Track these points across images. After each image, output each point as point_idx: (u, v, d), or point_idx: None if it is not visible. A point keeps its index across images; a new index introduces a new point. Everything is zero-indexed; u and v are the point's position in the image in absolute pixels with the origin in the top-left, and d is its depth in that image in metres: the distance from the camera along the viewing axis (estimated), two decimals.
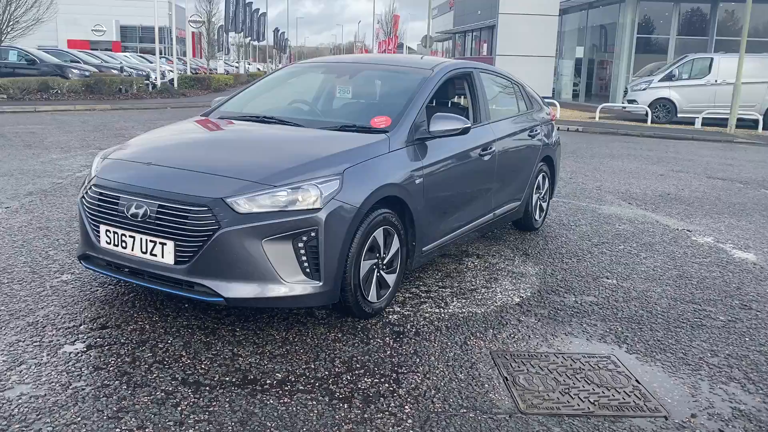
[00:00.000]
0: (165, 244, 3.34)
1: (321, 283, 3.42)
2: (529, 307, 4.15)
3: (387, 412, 2.83)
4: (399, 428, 2.72)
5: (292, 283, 3.37)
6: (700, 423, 2.88)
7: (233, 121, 4.50)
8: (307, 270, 3.40)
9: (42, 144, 10.45)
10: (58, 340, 3.37)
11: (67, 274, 4.36)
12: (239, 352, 3.32)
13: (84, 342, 3.36)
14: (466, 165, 4.63)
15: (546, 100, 21.87)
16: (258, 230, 3.27)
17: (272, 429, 2.66)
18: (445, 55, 51.78)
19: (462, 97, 5.53)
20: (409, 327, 3.75)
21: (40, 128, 12.57)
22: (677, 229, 6.48)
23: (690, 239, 6.11)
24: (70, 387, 2.90)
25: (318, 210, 3.36)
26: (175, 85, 23.85)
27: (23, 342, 3.33)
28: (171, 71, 26.42)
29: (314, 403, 2.87)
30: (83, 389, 2.89)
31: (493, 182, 5.05)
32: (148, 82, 23.72)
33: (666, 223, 6.75)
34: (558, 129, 17.04)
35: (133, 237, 3.44)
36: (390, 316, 3.89)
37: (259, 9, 49.77)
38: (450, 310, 4.04)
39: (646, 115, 18.69)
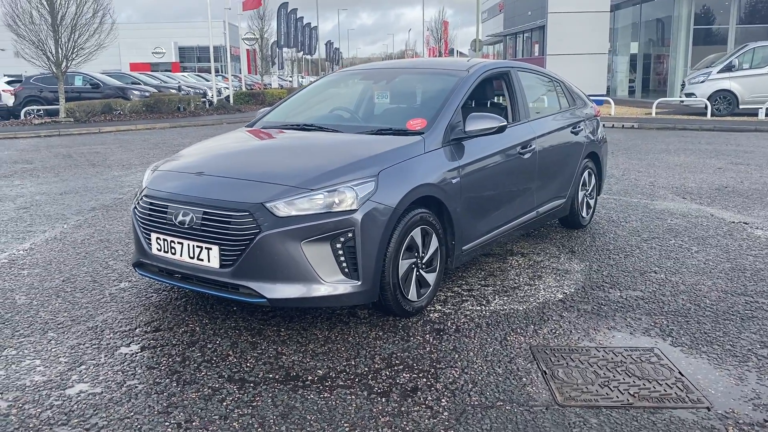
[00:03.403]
0: (210, 249, 3.50)
1: (360, 283, 3.51)
2: (572, 303, 4.14)
3: (424, 405, 2.89)
4: (435, 420, 2.77)
5: (332, 282, 3.47)
6: (744, 413, 2.82)
7: (275, 130, 4.66)
8: (346, 270, 3.49)
9: (105, 162, 10.96)
10: (115, 342, 3.57)
11: (125, 282, 4.59)
12: (283, 351, 3.44)
13: (138, 344, 3.55)
14: (504, 164, 4.64)
15: (600, 97, 21.47)
16: (297, 232, 3.39)
17: (312, 422, 2.75)
18: (496, 58, 51.41)
19: (501, 96, 5.54)
20: (449, 324, 3.79)
21: (104, 148, 13.17)
22: (733, 222, 6.29)
23: (746, 232, 5.93)
24: (125, 385, 3.07)
25: (354, 211, 3.46)
26: (231, 101, 24.53)
27: (83, 345, 3.54)
28: (227, 88, 27.22)
29: (353, 397, 2.96)
30: (136, 387, 3.06)
31: (535, 180, 5.05)
32: (204, 99, 24.48)
33: (721, 216, 6.56)
34: (612, 126, 16.82)
35: (181, 243, 3.62)
36: (431, 315, 3.94)
37: (310, 23, 50.66)
38: (491, 308, 4.06)
39: (706, 108, 18.12)
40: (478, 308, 4.06)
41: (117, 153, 12.31)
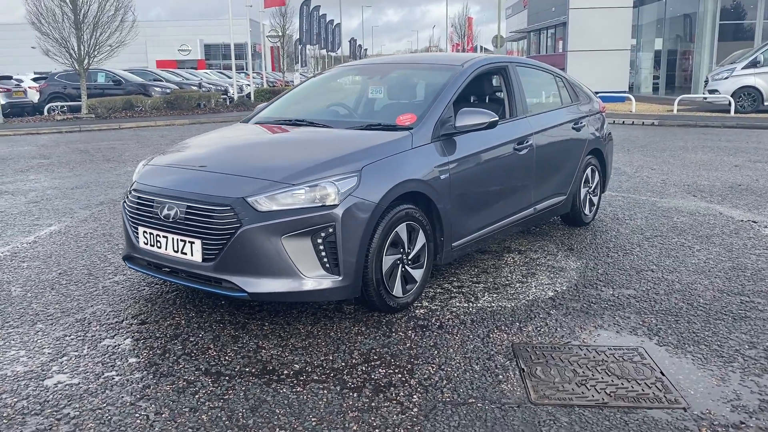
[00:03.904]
0: (193, 243, 3.53)
1: (341, 278, 3.51)
2: (562, 301, 4.08)
3: (395, 401, 2.88)
4: (404, 416, 2.76)
5: (313, 277, 3.47)
6: (721, 414, 2.76)
7: (268, 125, 4.67)
8: (327, 265, 3.49)
9: (120, 158, 11.11)
10: (100, 334, 3.62)
11: (120, 275, 4.64)
12: (263, 345, 3.45)
13: (123, 336, 3.59)
14: (499, 160, 4.60)
15: (621, 94, 21.20)
16: (277, 227, 3.39)
17: (280, 416, 2.76)
18: (521, 54, 50.98)
19: (500, 92, 5.49)
20: (433, 321, 3.77)
21: (121, 144, 13.35)
22: (741, 221, 6.16)
23: (753, 230, 5.81)
24: (102, 376, 3.11)
25: (335, 206, 3.45)
26: (252, 98, 24.68)
27: (69, 336, 3.59)
28: (248, 85, 27.39)
29: (325, 392, 2.96)
30: (113, 378, 3.09)
31: (532, 176, 4.99)
32: (225, 96, 24.67)
33: (730, 214, 6.43)
34: (632, 123, 16.58)
35: (166, 237, 3.65)
36: (417, 311, 3.92)
37: (333, 20, 50.79)
38: (479, 305, 4.03)
39: (729, 105, 17.77)
40: (466, 305, 4.03)
41: (133, 149, 12.46)
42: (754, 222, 6.12)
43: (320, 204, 3.45)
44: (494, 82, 5.20)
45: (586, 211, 5.96)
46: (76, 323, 3.78)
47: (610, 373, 3.13)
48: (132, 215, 3.88)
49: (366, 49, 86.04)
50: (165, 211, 3.64)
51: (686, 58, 27.18)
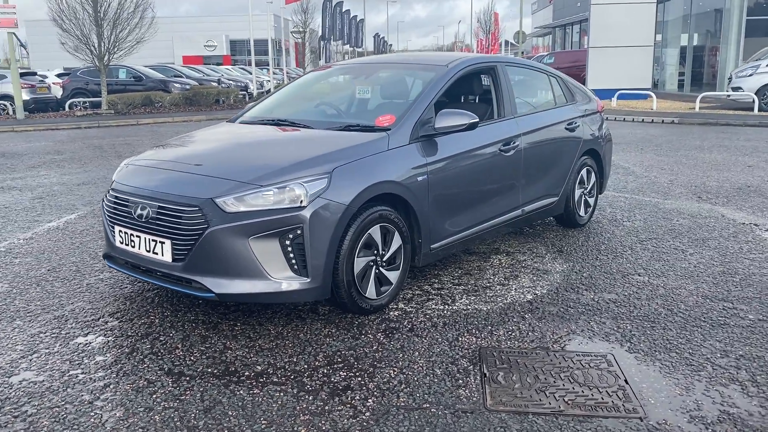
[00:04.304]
0: (164, 243, 3.56)
1: (309, 280, 3.51)
2: (539, 305, 4.04)
3: (348, 405, 2.87)
4: (354, 420, 2.75)
5: (280, 279, 3.48)
6: (677, 426, 2.71)
7: (251, 125, 4.69)
8: (295, 267, 3.50)
9: (132, 154, 11.20)
10: (74, 332, 3.67)
11: (106, 272, 4.70)
12: (231, 346, 3.47)
13: (96, 334, 3.64)
14: (482, 161, 4.56)
15: (643, 91, 20.79)
16: (244, 228, 3.40)
17: (231, 417, 2.77)
18: (547, 50, 50.45)
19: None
20: (405, 323, 3.76)
21: (136, 140, 13.53)
22: (742, 224, 6.03)
23: (753, 234, 5.68)
24: (67, 374, 3.16)
25: (303, 208, 3.45)
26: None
27: (44, 333, 3.66)
28: (268, 81, 27.54)
29: (281, 394, 2.96)
30: (77, 376, 3.14)
31: (520, 178, 4.94)
32: (244, 92, 24.84)
33: (732, 217, 6.29)
34: (652, 121, 16.32)
35: (139, 236, 3.69)
36: (391, 313, 3.91)
37: (357, 16, 50.83)
38: (454, 307, 4.00)
39: (753, 103, 17.38)
40: (441, 307, 4.00)
41: (147, 144, 12.61)
42: (756, 225, 5.98)
43: (288, 206, 3.46)
44: (483, 82, 5.15)
45: (581, 213, 5.88)
46: (54, 320, 3.84)
47: (572, 381, 3.09)
48: (110, 214, 3.93)
49: (391, 45, 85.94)
50: (138, 211, 3.68)
51: (713, 55, 26.62)
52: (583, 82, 22.91)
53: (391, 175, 3.87)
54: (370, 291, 3.83)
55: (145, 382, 3.07)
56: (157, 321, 3.80)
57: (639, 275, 4.59)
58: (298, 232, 3.45)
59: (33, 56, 56.43)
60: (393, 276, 3.97)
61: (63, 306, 4.06)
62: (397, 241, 3.95)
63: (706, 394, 2.96)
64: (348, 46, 48.64)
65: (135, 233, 3.71)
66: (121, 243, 3.83)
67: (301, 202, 3.46)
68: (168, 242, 3.54)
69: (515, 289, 4.33)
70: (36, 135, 14.98)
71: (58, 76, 24.65)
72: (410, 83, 4.76)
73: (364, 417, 2.78)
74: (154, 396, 2.95)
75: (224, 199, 3.45)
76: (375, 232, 3.79)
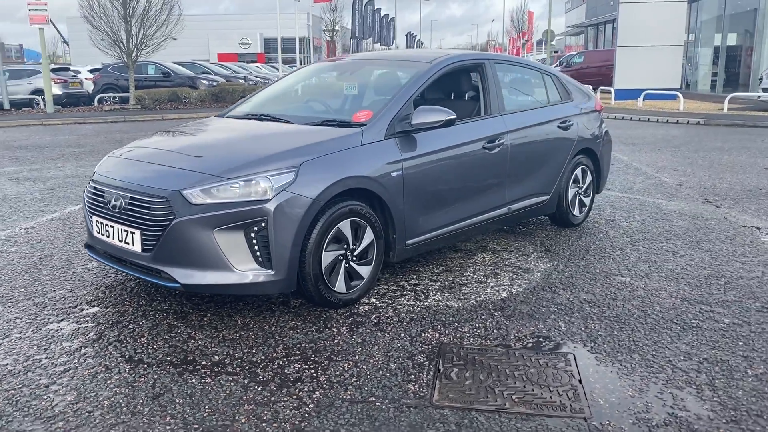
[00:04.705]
0: (134, 233, 3.64)
1: (273, 272, 3.55)
2: (512, 303, 4.01)
3: (295, 396, 2.90)
4: (297, 412, 2.78)
5: (244, 271, 3.52)
6: (620, 427, 2.67)
7: (235, 119, 4.75)
8: (260, 259, 3.54)
9: None
10: (49, 318, 3.77)
11: (94, 262, 4.81)
12: (195, 335, 3.53)
13: (69, 321, 3.73)
14: (464, 158, 4.54)
15: (672, 91, 20.35)
16: (209, 220, 3.46)
17: (178, 405, 2.82)
18: (579, 49, 49.78)
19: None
20: (373, 318, 3.77)
21: None
22: (744, 227, 5.89)
23: (751, 237, 5.54)
24: (32, 359, 3.25)
25: (267, 201, 3.49)
26: None
27: (20, 319, 3.76)
28: None
29: (231, 384, 3.00)
30: (40, 361, 3.22)
31: (506, 175, 4.91)
32: None
33: (734, 219, 6.15)
34: (677, 122, 16.03)
35: (113, 227, 3.77)
36: (361, 307, 3.93)
37: (388, 15, 50.89)
38: (426, 304, 4.00)
39: None
40: (413, 303, 4.01)
41: None
42: (757, 228, 5.84)
43: (254, 198, 3.50)
44: (470, 79, 5.12)
45: (576, 212, 5.81)
46: (33, 307, 3.95)
47: (525, 379, 3.07)
48: (89, 205, 4.03)
49: (422, 43, 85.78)
50: (113, 202, 3.77)
51: (747, 55, 25.96)
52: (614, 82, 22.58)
53: (363, 170, 3.89)
54: (340, 285, 3.85)
55: (103, 368, 3.14)
56: (130, 310, 3.88)
57: (622, 276, 4.53)
58: (263, 224, 3.49)
59: (74, 52, 57.71)
60: (365, 271, 3.99)
61: (45, 293, 4.18)
62: (369, 236, 3.96)
63: (658, 397, 2.91)
64: (378, 44, 48.70)
65: (109, 223, 3.80)
66: (98, 233, 3.92)
67: (267, 195, 3.50)
68: (138, 233, 3.62)
69: (492, 286, 4.31)
70: (63, 129, 15.35)
71: (91, 71, 25.18)
72: (390, 79, 4.77)
73: (307, 408, 2.80)
74: (108, 382, 3.02)
75: (191, 191, 3.51)
76: (345, 226, 3.81)
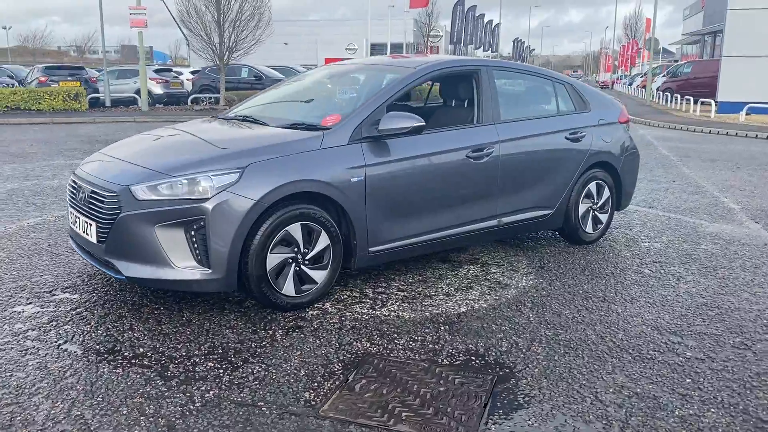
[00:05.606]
0: (91, 225, 3.81)
1: (210, 271, 3.60)
2: (465, 319, 3.86)
3: (188, 394, 2.93)
4: (181, 408, 2.81)
5: (182, 268, 3.60)
6: None
7: (224, 120, 4.86)
8: (199, 257, 3.61)
9: None
10: (20, 300, 4.02)
11: None
12: (136, 327, 3.65)
13: (36, 305, 3.96)
14: (442, 166, 4.41)
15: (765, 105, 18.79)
16: (151, 216, 3.56)
17: (77, 391, 2.93)
18: (695, 57, 46.99)
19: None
20: (314, 323, 3.74)
21: None
22: None
23: None
24: None
25: (206, 200, 3.55)
26: None
27: None
28: None
29: (137, 376, 3.08)
30: None
31: (495, 186, 4.73)
32: None
33: None
34: (756, 137, 14.75)
35: (79, 218, 3.98)
36: (311, 312, 3.91)
37: (492, 21, 50.26)
38: (377, 313, 3.92)
39: None
40: (365, 311, 3.94)
41: None
42: None
43: (194, 197, 3.57)
44: (462, 86, 4.97)
45: (588, 229, 5.49)
46: (12, 289, 4.22)
47: (429, 398, 2.94)
48: (68, 195, 4.27)
49: (533, 50, 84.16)
50: (80, 194, 3.97)
51: None
52: None
53: (318, 175, 3.87)
54: (288, 288, 3.85)
55: (31, 353, 3.31)
56: (94, 298, 4.07)
57: (603, 300, 4.24)
58: (201, 223, 3.56)
59: (193, 54, 61.26)
60: (319, 275, 3.96)
61: (31, 277, 4.45)
62: (324, 241, 3.93)
63: (557, 429, 2.70)
64: (481, 50, 48.19)
65: (77, 214, 4.01)
66: (72, 223, 4.15)
67: (206, 194, 3.57)
68: (94, 225, 3.79)
69: (456, 300, 4.16)
70: (150, 126, 16.30)
71: (192, 73, 26.60)
72: (371, 85, 4.73)
73: (191, 407, 2.83)
74: (25, 366, 3.17)
75: (138, 187, 3.63)
76: (295, 229, 3.81)
